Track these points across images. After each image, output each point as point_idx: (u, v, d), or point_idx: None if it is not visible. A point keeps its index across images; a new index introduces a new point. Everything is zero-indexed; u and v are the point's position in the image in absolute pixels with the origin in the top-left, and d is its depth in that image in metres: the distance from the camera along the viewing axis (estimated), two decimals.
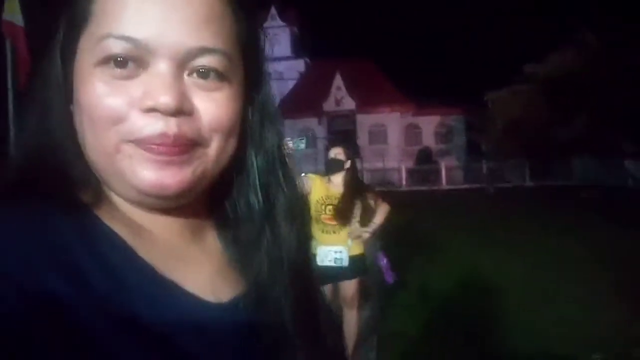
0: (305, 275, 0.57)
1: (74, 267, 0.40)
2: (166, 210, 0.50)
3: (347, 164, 3.63)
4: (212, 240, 0.56)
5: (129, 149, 0.45)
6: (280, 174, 0.56)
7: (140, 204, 0.48)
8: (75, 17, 0.47)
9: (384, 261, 3.71)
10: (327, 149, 3.82)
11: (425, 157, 29.29)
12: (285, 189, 0.56)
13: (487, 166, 24.80)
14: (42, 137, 0.49)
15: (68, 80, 0.48)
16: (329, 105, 30.75)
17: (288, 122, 30.56)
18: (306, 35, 41.74)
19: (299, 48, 40.43)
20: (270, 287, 0.53)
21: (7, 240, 0.39)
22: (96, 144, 0.45)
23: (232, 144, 0.50)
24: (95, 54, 0.44)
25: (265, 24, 38.16)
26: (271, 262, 0.54)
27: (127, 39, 0.44)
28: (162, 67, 0.44)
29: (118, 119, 0.44)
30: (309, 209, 3.47)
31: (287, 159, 0.58)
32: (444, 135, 32.25)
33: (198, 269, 0.51)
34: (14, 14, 4.45)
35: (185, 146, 0.45)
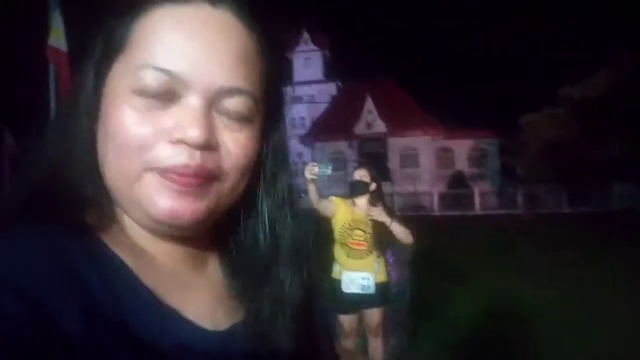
0: (305, 310, 0.57)
1: (77, 288, 0.40)
2: (172, 238, 0.50)
3: (372, 186, 3.56)
4: (213, 269, 0.56)
5: (150, 177, 0.45)
6: (289, 212, 0.57)
7: (151, 230, 0.49)
8: (111, 42, 0.48)
9: (390, 260, 3.61)
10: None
11: (458, 181, 28.73)
12: (291, 227, 0.57)
13: (522, 191, 24.15)
14: (60, 154, 0.49)
15: (97, 103, 0.48)
16: (360, 129, 30.85)
17: (319, 145, 30.86)
18: (337, 58, 42.25)
19: (331, 71, 40.93)
20: (269, 320, 0.53)
21: (14, 259, 0.39)
22: (118, 169, 0.46)
23: (246, 180, 0.51)
24: (130, 82, 0.45)
25: (298, 48, 38.99)
26: (272, 298, 0.54)
27: (163, 70, 0.44)
28: (193, 101, 0.45)
29: (144, 148, 0.45)
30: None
31: (296, 198, 0.59)
32: (477, 159, 31.63)
33: (198, 297, 0.51)
34: (59, 40, 4.67)
35: (205, 178, 0.46)
